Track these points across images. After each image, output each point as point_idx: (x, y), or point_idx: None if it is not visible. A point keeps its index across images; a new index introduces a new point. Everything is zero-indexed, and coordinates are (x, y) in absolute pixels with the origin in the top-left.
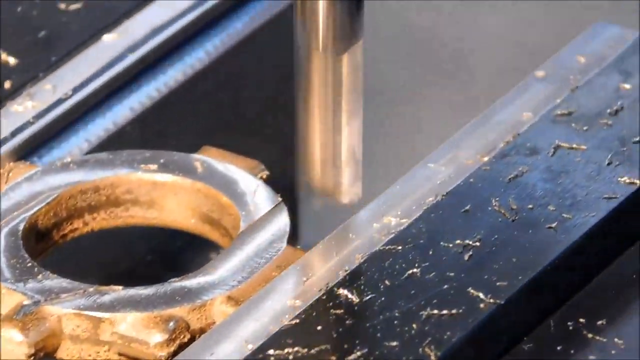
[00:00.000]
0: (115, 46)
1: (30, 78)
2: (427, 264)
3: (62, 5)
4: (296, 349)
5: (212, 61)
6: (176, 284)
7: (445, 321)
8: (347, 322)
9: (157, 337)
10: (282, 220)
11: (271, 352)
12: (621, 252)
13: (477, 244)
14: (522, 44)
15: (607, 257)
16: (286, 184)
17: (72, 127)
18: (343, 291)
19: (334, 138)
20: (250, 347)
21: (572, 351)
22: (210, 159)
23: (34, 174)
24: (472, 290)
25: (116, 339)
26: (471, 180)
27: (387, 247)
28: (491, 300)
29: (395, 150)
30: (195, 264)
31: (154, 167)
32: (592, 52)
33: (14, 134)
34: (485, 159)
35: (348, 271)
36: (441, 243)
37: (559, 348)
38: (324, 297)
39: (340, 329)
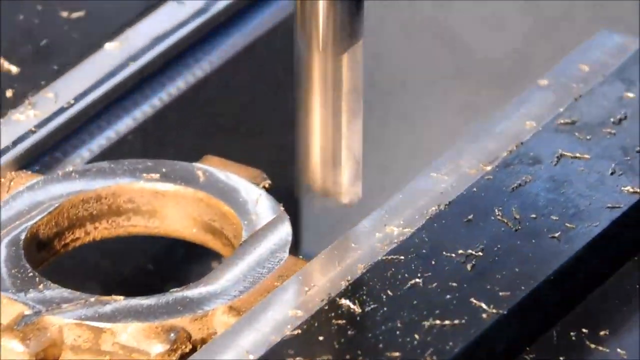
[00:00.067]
0: (117, 55)
1: (32, 87)
2: (429, 274)
3: (64, 14)
4: (298, 359)
5: (214, 70)
6: (177, 294)
7: (447, 331)
8: (349, 332)
9: (159, 347)
10: (284, 230)
11: None
12: (624, 262)
13: (480, 253)
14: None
15: (610, 267)
16: (288, 193)
17: (74, 136)
18: (345, 301)
19: (334, 138)
20: (252, 357)
21: None
22: (212, 168)
23: (36, 183)
24: (474, 300)
25: (117, 349)
26: (474, 189)
27: (389, 257)
28: (494, 311)
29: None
30: (196, 273)
31: (155, 176)
32: (595, 61)
33: (15, 142)
34: (488, 168)
35: (350, 281)
36: (444, 253)
37: (561, 358)
38: (326, 308)
39: (343, 340)
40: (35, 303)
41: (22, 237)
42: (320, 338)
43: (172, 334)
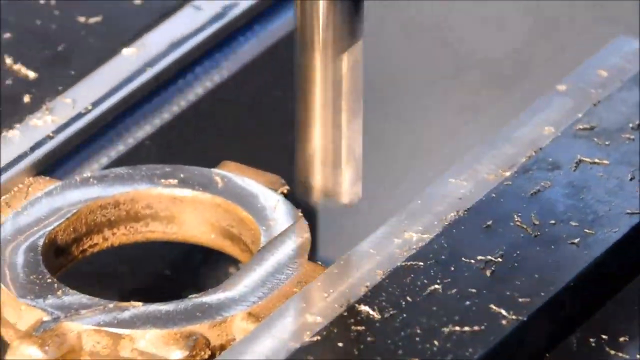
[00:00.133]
0: (134, 60)
1: (50, 92)
2: (448, 280)
3: (82, 19)
4: None
5: (231, 75)
6: (196, 300)
7: (467, 338)
8: (369, 338)
9: (177, 353)
10: (303, 236)
11: None
12: None
13: (499, 259)
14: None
15: (630, 273)
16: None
17: (92, 141)
18: (364, 307)
19: (334, 138)
20: None
21: None
22: (230, 173)
23: (54, 189)
24: (494, 307)
25: (136, 355)
26: (493, 195)
27: (408, 263)
28: (513, 317)
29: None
30: (213, 279)
31: (173, 182)
32: (613, 67)
33: (33, 148)
34: (507, 173)
35: (369, 287)
36: (463, 259)
37: None
38: (345, 314)
39: (362, 346)
40: (54, 309)
41: (40, 243)
42: (340, 344)
43: (190, 340)
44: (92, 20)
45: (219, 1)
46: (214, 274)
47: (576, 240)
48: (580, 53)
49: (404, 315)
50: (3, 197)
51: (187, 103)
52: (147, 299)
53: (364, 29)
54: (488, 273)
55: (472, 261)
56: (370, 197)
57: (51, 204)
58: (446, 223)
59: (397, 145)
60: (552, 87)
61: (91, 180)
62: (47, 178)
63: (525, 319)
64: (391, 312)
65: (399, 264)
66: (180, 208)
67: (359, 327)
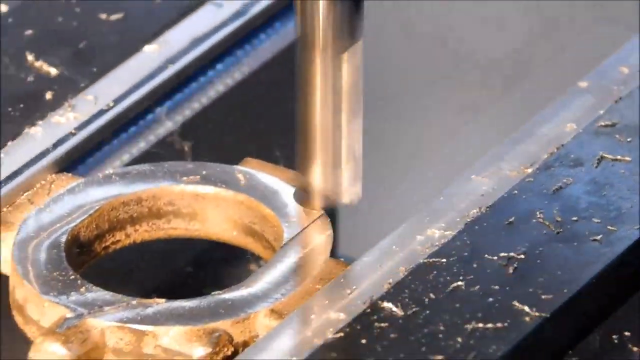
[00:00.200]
0: (156, 57)
1: (72, 89)
2: (471, 277)
3: (103, 16)
4: None
5: (252, 72)
6: (219, 296)
7: (490, 335)
8: (392, 335)
9: (200, 350)
10: (325, 233)
11: None
12: None
13: (522, 256)
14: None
15: None
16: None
17: (114, 138)
18: (387, 304)
19: (334, 138)
20: None
21: None
22: (253, 170)
23: (76, 185)
24: (517, 304)
25: (159, 352)
26: (515, 192)
27: (431, 260)
28: (536, 314)
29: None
30: (236, 276)
31: (196, 178)
32: (635, 63)
33: (55, 145)
34: (529, 170)
35: (392, 284)
36: (485, 256)
37: None
38: (368, 310)
39: (385, 343)
40: (77, 306)
41: (63, 239)
42: (363, 341)
43: (213, 337)
44: (114, 17)
45: None
46: (236, 271)
47: (599, 237)
48: (580, 53)
49: (427, 312)
50: (26, 194)
51: (208, 100)
52: (169, 295)
53: (364, 29)
54: (510, 270)
55: (495, 258)
56: (370, 197)
57: (74, 201)
58: (468, 220)
59: (397, 145)
60: (552, 87)
61: (113, 177)
62: (70, 175)
63: (548, 315)
64: (414, 309)
65: (421, 260)
66: (202, 205)
67: (382, 324)
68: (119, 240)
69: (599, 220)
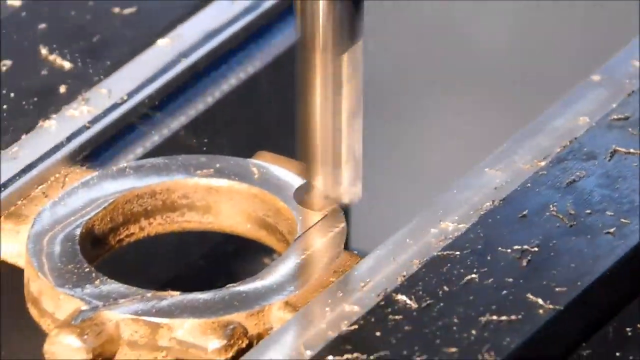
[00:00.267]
0: (169, 51)
1: (85, 83)
2: (485, 269)
3: (116, 10)
4: (355, 355)
5: (265, 65)
6: (234, 289)
7: (504, 327)
8: (406, 328)
9: (215, 342)
10: (339, 225)
11: (330, 358)
12: None
13: (535, 249)
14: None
15: None
16: None
17: (127, 131)
18: (401, 297)
19: (334, 138)
20: (309, 353)
21: (630, 357)
22: (266, 163)
23: (90, 179)
24: (530, 296)
25: (174, 344)
26: (528, 185)
27: (444, 253)
28: (550, 306)
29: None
30: (250, 269)
31: (209, 172)
32: None
33: (69, 138)
34: (542, 163)
35: (406, 277)
36: (499, 248)
37: (617, 354)
38: (382, 303)
39: (399, 335)
40: (92, 298)
41: (78, 232)
42: (377, 334)
43: (228, 330)
44: (127, 11)
45: None
46: (250, 265)
47: (612, 230)
48: (581, 53)
49: (441, 304)
50: (40, 187)
51: (222, 94)
52: (183, 288)
53: (364, 29)
54: (524, 263)
55: (508, 251)
56: (370, 197)
57: (88, 194)
58: (482, 213)
59: (397, 145)
60: (553, 87)
61: (127, 170)
62: (84, 168)
63: (562, 308)
64: (428, 302)
65: (435, 253)
66: (216, 198)
67: (396, 317)
68: (133, 233)
69: (612, 213)
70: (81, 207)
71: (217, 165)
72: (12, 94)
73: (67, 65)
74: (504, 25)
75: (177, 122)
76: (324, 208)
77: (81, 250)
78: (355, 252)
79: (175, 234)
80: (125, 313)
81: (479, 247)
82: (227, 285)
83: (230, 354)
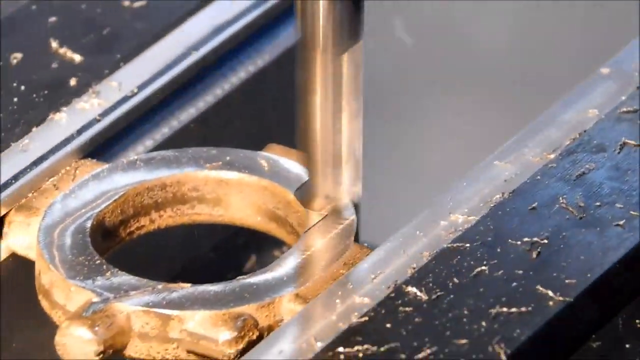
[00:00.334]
0: (179, 44)
1: (96, 76)
2: (495, 261)
3: (126, 3)
4: (365, 346)
5: (275, 58)
6: (244, 281)
7: (514, 319)
8: (416, 319)
9: (226, 334)
10: (349, 218)
11: (340, 349)
12: None
13: (545, 241)
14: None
15: None
16: None
17: (138, 124)
18: (411, 289)
19: (334, 138)
20: (319, 345)
21: None
22: (276, 156)
23: (101, 171)
24: (540, 288)
25: (185, 336)
26: (538, 177)
27: (454, 245)
28: (560, 298)
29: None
30: (260, 261)
31: (219, 164)
32: None
33: (80, 131)
34: (552, 156)
35: (416, 269)
36: (509, 241)
37: (627, 346)
38: (393, 295)
39: (410, 327)
40: (103, 290)
41: (88, 225)
42: (388, 325)
43: (239, 321)
44: (137, 4)
45: None
46: (260, 257)
47: (621, 222)
48: (581, 53)
49: (451, 296)
50: (51, 180)
51: (231, 86)
52: (193, 280)
53: (364, 29)
54: (534, 255)
55: (518, 243)
56: (369, 197)
57: (98, 187)
58: (492, 205)
59: (397, 145)
60: (553, 87)
61: (138, 163)
62: (94, 161)
63: (571, 300)
64: (438, 294)
65: (445, 245)
66: (226, 190)
67: (406, 309)
68: (143, 226)
69: (622, 206)
70: (92, 199)
71: (227, 158)
72: (22, 87)
73: (77, 58)
74: (504, 25)
75: (187, 114)
76: (324, 208)
77: (92, 242)
78: (365, 244)
79: (185, 227)
80: (136, 305)
81: (489, 239)
82: (238, 278)
83: (240, 346)
